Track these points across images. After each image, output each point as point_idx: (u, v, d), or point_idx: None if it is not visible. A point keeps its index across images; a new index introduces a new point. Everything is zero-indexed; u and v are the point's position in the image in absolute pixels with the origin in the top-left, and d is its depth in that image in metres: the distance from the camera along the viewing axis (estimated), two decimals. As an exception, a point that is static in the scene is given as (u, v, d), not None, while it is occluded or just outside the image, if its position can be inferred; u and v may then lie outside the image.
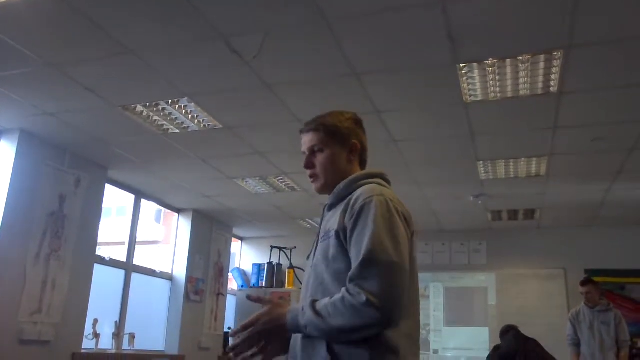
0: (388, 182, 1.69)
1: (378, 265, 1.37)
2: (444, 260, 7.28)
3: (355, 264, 1.40)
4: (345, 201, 1.55)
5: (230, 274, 7.60)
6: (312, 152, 1.70)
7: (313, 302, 1.44)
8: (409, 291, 1.46)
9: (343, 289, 1.39)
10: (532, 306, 6.71)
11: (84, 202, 4.88)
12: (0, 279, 4.06)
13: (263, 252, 7.90)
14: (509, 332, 4.71)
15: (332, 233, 1.52)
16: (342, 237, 1.49)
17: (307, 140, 1.71)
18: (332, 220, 1.56)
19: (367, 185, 1.57)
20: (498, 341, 5.16)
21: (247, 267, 8.04)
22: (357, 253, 1.41)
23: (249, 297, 1.62)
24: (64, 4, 2.70)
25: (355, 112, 1.78)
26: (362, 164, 1.75)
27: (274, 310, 1.51)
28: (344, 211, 1.52)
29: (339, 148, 1.69)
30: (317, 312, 1.40)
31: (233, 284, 7.88)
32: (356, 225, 1.46)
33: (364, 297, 1.34)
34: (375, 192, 1.51)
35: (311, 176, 1.71)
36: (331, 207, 1.63)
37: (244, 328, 1.50)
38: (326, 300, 1.42)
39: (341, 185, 1.63)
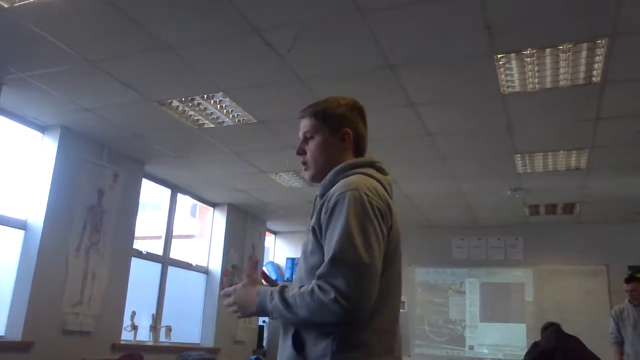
0: (380, 169, 1.61)
1: (346, 264, 1.35)
2: (480, 256, 7.17)
3: (325, 261, 1.39)
4: (326, 195, 1.50)
5: (264, 268, 7.66)
6: (305, 138, 1.66)
7: (282, 290, 1.44)
8: (387, 285, 1.45)
9: (313, 282, 1.39)
10: (571, 303, 6.55)
11: (122, 197, 4.99)
12: (45, 271, 4.19)
13: (296, 246, 7.93)
14: (549, 329, 4.59)
15: (310, 228, 1.51)
16: (318, 233, 1.47)
17: (301, 127, 1.68)
18: (315, 216, 1.53)
19: (347, 178, 1.51)
20: (535, 338, 5.05)
21: (281, 261, 8.09)
22: (327, 250, 1.40)
23: (262, 275, 1.68)
24: (103, 1, 2.75)
25: (356, 99, 1.70)
26: (359, 152, 1.66)
27: (248, 287, 1.56)
28: (321, 206, 1.49)
29: (330, 135, 1.63)
30: (284, 300, 1.41)
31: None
32: (329, 222, 1.43)
33: (332, 295, 1.33)
34: (351, 187, 1.45)
35: (303, 163, 1.68)
36: (321, 197, 1.55)
37: (225, 295, 1.62)
38: (295, 290, 1.42)
39: (328, 176, 1.57)
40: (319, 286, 1.37)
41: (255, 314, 1.54)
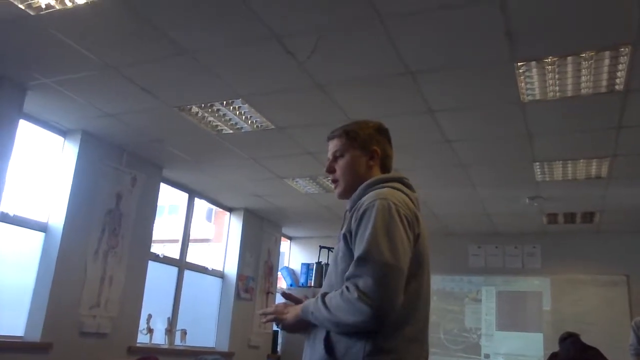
0: (408, 185, 1.71)
1: (371, 264, 1.43)
2: (497, 264, 7.10)
3: (352, 263, 1.48)
4: (356, 205, 1.60)
5: (279, 273, 7.67)
6: (335, 157, 1.78)
7: (324, 294, 1.55)
8: (417, 294, 1.53)
9: (343, 285, 1.48)
10: (590, 313, 6.46)
11: (140, 201, 5.03)
12: (64, 274, 4.24)
13: (311, 252, 7.93)
14: (568, 340, 4.52)
15: (341, 236, 1.61)
16: (349, 239, 1.56)
17: (331, 147, 1.80)
18: (346, 224, 1.62)
19: (377, 190, 1.60)
20: (553, 348, 4.98)
21: (296, 267, 8.08)
22: (356, 253, 1.49)
23: (283, 294, 1.81)
24: (125, 7, 2.79)
25: (380, 117, 1.85)
26: (385, 171, 1.78)
27: (289, 306, 1.68)
28: (351, 215, 1.59)
29: (359, 154, 1.74)
30: (324, 302, 1.52)
31: (282, 283, 7.95)
32: (359, 228, 1.52)
33: (356, 294, 1.41)
34: (380, 196, 1.55)
35: (333, 181, 1.80)
36: (350, 210, 1.67)
37: (264, 313, 1.73)
38: (332, 294, 1.52)
39: (358, 190, 1.67)
40: (346, 287, 1.46)
41: (294, 321, 1.63)
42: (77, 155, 4.44)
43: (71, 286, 4.31)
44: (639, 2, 2.52)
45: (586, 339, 4.62)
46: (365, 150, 1.74)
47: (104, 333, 4.57)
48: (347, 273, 1.47)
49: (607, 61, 3.02)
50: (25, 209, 4.25)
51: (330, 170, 1.78)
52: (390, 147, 1.81)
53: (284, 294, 1.81)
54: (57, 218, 4.32)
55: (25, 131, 4.21)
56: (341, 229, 1.68)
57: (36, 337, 4.05)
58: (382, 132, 1.80)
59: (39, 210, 4.34)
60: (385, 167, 1.77)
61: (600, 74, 3.15)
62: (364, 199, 1.59)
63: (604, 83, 3.24)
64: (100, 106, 4.01)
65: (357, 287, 1.41)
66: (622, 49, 2.89)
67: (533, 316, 6.80)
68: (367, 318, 1.39)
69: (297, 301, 1.70)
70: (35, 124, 4.29)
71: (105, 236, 4.65)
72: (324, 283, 1.69)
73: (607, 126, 3.82)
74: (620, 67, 3.05)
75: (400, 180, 1.70)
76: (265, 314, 1.71)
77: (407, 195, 1.64)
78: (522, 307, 6.89)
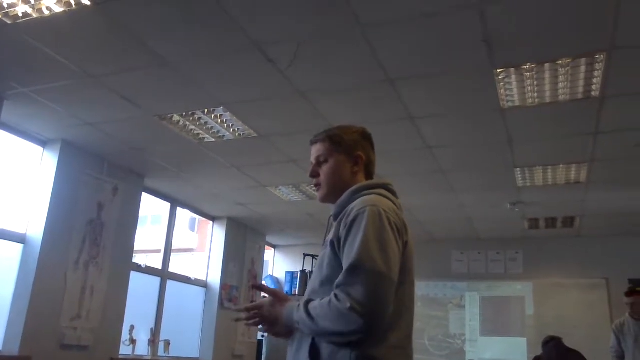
0: (393, 192, 1.70)
1: (364, 273, 1.41)
2: (480, 269, 7.15)
3: (343, 271, 1.45)
4: (344, 212, 1.58)
5: (263, 282, 7.63)
6: (318, 162, 1.76)
7: (307, 302, 1.51)
8: (402, 301, 1.51)
9: (332, 294, 1.44)
10: (571, 316, 6.53)
11: (121, 210, 4.98)
12: (44, 285, 4.17)
13: (296, 260, 7.90)
14: (550, 343, 4.57)
15: (328, 242, 1.57)
16: (337, 246, 1.53)
17: (314, 152, 1.78)
18: (333, 231, 1.60)
19: (365, 197, 1.59)
20: (536, 352, 5.03)
21: (280, 275, 8.05)
22: (346, 261, 1.46)
23: (253, 286, 1.71)
24: (103, 16, 2.77)
25: (363, 124, 1.82)
26: (369, 176, 1.77)
27: (276, 303, 1.61)
28: (340, 221, 1.56)
29: (344, 159, 1.73)
30: (308, 312, 1.47)
31: (266, 292, 7.90)
32: (348, 235, 1.50)
33: (348, 304, 1.38)
34: (369, 203, 1.54)
35: (315, 185, 1.77)
36: (335, 217, 1.66)
37: (247, 310, 1.65)
38: (317, 302, 1.48)
39: (344, 196, 1.66)
40: (336, 295, 1.43)
41: (281, 329, 1.59)
42: (57, 165, 4.38)
43: (51, 297, 4.23)
44: (613, 11, 2.57)
45: (568, 342, 4.68)
46: (350, 155, 1.73)
47: (85, 345, 4.50)
48: (337, 281, 1.44)
49: (583, 68, 3.08)
50: (3, 220, 4.18)
51: (314, 174, 1.76)
52: (373, 153, 1.81)
53: (254, 286, 1.79)
54: (36, 229, 4.25)
55: (3, 141, 4.15)
56: (326, 236, 1.67)
57: (14, 350, 3.98)
58: (366, 138, 1.79)
59: (17, 222, 4.27)
60: (368, 173, 1.77)
61: (577, 80, 3.21)
62: (352, 205, 1.57)
63: (581, 89, 3.30)
64: (80, 115, 3.97)
65: (349, 296, 1.38)
66: (598, 56, 2.95)
67: (516, 321, 6.85)
68: (358, 328, 1.37)
69: (271, 293, 1.67)
70: (14, 134, 4.24)
71: (86, 246, 4.59)
72: (307, 290, 1.65)
73: (585, 132, 3.89)
74: (596, 73, 3.12)
75: (385, 187, 1.69)
76: (248, 311, 1.65)
77: (392, 202, 1.63)
78: (505, 312, 6.94)
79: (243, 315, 1.67)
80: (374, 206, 1.52)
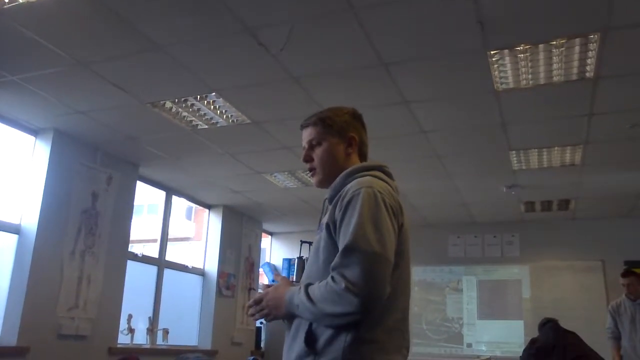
0: (388, 174, 1.68)
1: (358, 254, 1.40)
2: (477, 253, 7.17)
3: (339, 252, 1.44)
4: (339, 194, 1.56)
5: (260, 269, 7.64)
6: (311, 146, 1.73)
7: (307, 285, 1.50)
8: (397, 283, 1.50)
9: (329, 276, 1.44)
10: (568, 299, 6.56)
11: (116, 200, 4.96)
12: (40, 275, 4.16)
13: (293, 247, 7.91)
14: (547, 325, 4.59)
15: (324, 225, 1.56)
16: (332, 229, 1.52)
17: (305, 135, 1.75)
18: (328, 214, 1.58)
19: (360, 178, 1.57)
20: (533, 334, 5.04)
21: (277, 262, 8.07)
22: (341, 243, 1.45)
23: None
24: (93, 1, 2.73)
25: (355, 108, 1.79)
26: (362, 158, 1.75)
27: (280, 288, 1.60)
28: (335, 204, 1.55)
29: (337, 141, 1.70)
30: (307, 294, 1.47)
31: (264, 279, 7.93)
32: (344, 217, 1.49)
33: (343, 284, 1.38)
34: (365, 185, 1.52)
35: (310, 170, 1.75)
36: (330, 200, 1.63)
37: (256, 302, 1.63)
38: (315, 285, 1.48)
39: (338, 178, 1.63)
40: (332, 277, 1.42)
41: (284, 313, 1.57)
42: (50, 155, 4.35)
43: (47, 288, 4.23)
44: (606, -11, 2.55)
45: (565, 324, 4.69)
46: (343, 137, 1.70)
47: (83, 335, 4.50)
48: (333, 263, 1.43)
49: (577, 48, 3.05)
50: (-3, 211, 4.16)
51: (307, 159, 1.74)
52: (365, 134, 1.78)
53: (277, 276, 1.79)
54: (30, 219, 4.23)
55: (-6, 131, 4.12)
56: (321, 219, 1.65)
57: (12, 341, 3.97)
58: (357, 118, 1.77)
59: (11, 212, 4.25)
60: (362, 155, 1.74)
61: (571, 61, 3.18)
62: (347, 187, 1.55)
63: (575, 70, 3.28)
64: (71, 103, 3.93)
65: (344, 277, 1.38)
66: (592, 36, 2.93)
67: (513, 304, 6.89)
68: (355, 309, 1.36)
69: (277, 277, 1.69)
70: (4, 123, 4.20)
71: (81, 236, 4.57)
72: (303, 274, 1.65)
73: (579, 113, 3.87)
74: (590, 54, 3.09)
75: (381, 168, 1.67)
76: (256, 304, 1.63)
77: (388, 184, 1.61)
78: (502, 296, 6.97)
79: (250, 311, 1.65)
80: (369, 187, 1.51)
